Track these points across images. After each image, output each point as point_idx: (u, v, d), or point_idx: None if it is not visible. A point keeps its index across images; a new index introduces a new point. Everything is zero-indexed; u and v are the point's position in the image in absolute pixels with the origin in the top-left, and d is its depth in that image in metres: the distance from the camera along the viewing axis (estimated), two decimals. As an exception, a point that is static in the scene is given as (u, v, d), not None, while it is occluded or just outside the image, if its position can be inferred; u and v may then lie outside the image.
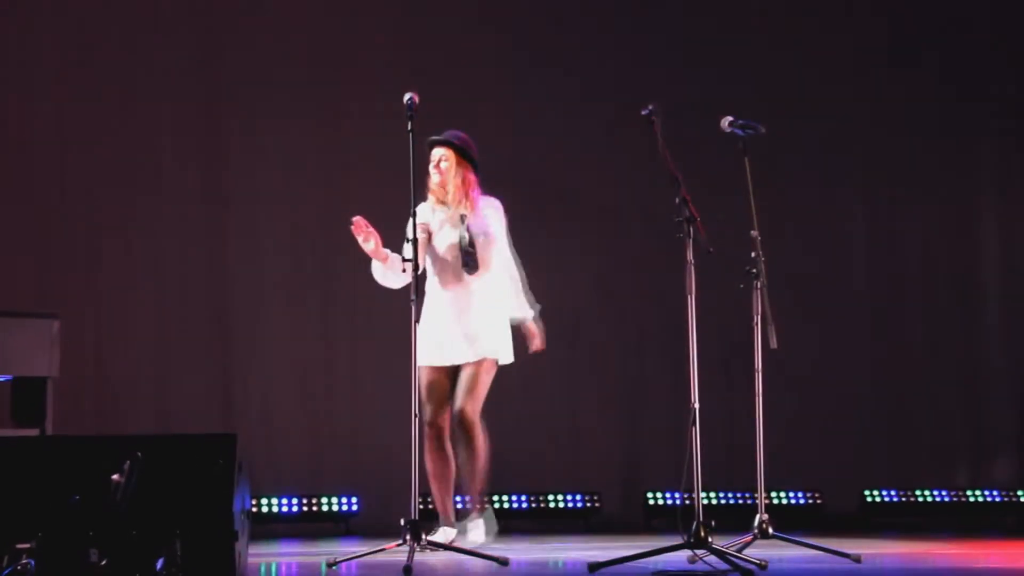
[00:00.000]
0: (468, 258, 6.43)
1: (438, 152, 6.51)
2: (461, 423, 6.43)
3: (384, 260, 6.29)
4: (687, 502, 5.31)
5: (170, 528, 4.46)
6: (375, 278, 6.46)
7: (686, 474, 5.19)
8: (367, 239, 6.22)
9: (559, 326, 8.72)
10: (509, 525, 8.16)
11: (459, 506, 6.71)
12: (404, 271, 5.96)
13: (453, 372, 6.47)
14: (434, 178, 6.50)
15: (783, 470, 8.45)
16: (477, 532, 6.45)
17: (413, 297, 5.62)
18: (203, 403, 8.43)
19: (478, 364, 6.43)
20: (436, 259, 6.48)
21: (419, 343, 5.96)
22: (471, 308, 6.44)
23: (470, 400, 6.41)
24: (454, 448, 6.50)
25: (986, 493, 9.71)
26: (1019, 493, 9.74)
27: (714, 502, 8.97)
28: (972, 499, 9.66)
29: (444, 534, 6.35)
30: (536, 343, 6.62)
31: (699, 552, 5.14)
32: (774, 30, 9.79)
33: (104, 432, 7.91)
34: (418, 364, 6.02)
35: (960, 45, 10.14)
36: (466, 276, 6.44)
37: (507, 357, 6.55)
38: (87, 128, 8.47)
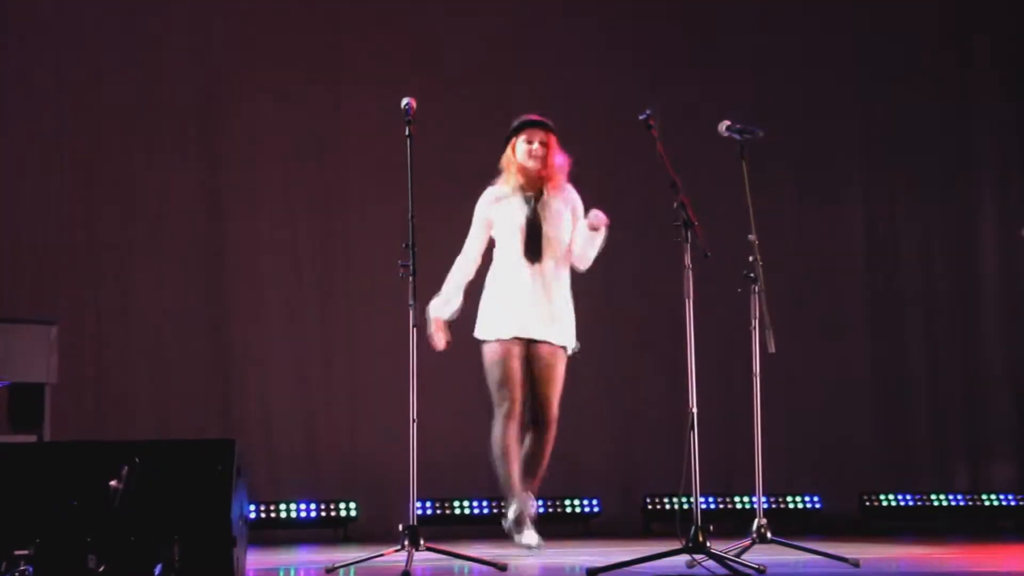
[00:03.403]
0: (533, 243, 6.44)
1: (538, 133, 6.48)
2: (548, 415, 6.44)
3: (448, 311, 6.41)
4: (684, 496, 5.30)
5: (168, 534, 4.46)
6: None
7: (685, 478, 5.18)
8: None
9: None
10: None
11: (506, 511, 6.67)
12: (401, 274, 5.84)
13: (526, 351, 6.45)
14: (531, 161, 6.46)
15: (782, 474, 8.46)
16: (531, 536, 6.46)
17: (412, 302, 5.60)
18: (201, 408, 8.43)
19: (557, 352, 6.46)
20: (524, 237, 6.45)
21: (497, 317, 6.25)
22: (556, 290, 6.46)
23: (555, 391, 6.44)
24: (522, 435, 6.51)
25: (985, 496, 9.71)
26: (1019, 496, 9.74)
27: (713, 506, 8.97)
28: (971, 502, 9.67)
29: (522, 502, 6.44)
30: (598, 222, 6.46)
31: (698, 557, 5.13)
32: (772, 31, 9.80)
33: (102, 438, 7.90)
34: (500, 337, 6.26)
35: (959, 45, 10.16)
36: (552, 257, 6.45)
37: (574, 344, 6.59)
38: (85, 133, 8.46)
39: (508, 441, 6.40)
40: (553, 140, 6.53)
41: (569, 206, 6.53)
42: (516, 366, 6.40)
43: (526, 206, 6.45)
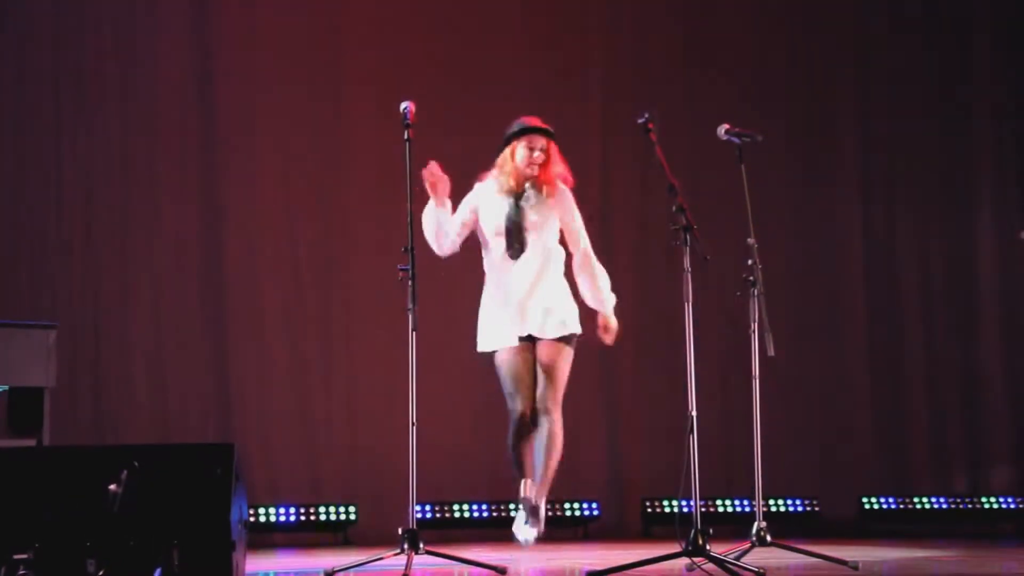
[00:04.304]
0: (513, 239, 6.33)
1: (540, 140, 6.33)
2: (548, 404, 6.30)
3: (442, 207, 6.14)
4: (682, 499, 5.31)
5: (168, 538, 4.46)
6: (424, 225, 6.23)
7: (684, 482, 5.18)
8: (435, 187, 6.09)
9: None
10: (507, 534, 8.15)
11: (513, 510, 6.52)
12: (400, 278, 5.80)
13: (529, 350, 6.28)
14: (529, 168, 6.36)
15: (781, 477, 8.45)
16: (529, 533, 6.32)
17: (411, 306, 5.59)
18: (201, 413, 8.43)
19: (557, 347, 6.30)
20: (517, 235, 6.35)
21: (495, 326, 6.04)
22: (547, 282, 6.26)
23: (557, 384, 6.28)
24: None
25: (984, 499, 9.71)
26: (1018, 499, 9.74)
27: (712, 510, 8.97)
28: (969, 506, 9.67)
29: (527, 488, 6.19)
30: (608, 338, 6.34)
31: (697, 560, 5.14)
32: (771, 34, 9.81)
33: (101, 442, 7.91)
34: (502, 345, 6.03)
35: (958, 48, 10.17)
36: (537, 252, 6.33)
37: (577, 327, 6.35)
38: (84, 139, 8.47)
39: (520, 442, 6.34)
40: (554, 148, 6.44)
41: (558, 205, 6.40)
42: (521, 367, 6.31)
43: (507, 207, 6.35)
